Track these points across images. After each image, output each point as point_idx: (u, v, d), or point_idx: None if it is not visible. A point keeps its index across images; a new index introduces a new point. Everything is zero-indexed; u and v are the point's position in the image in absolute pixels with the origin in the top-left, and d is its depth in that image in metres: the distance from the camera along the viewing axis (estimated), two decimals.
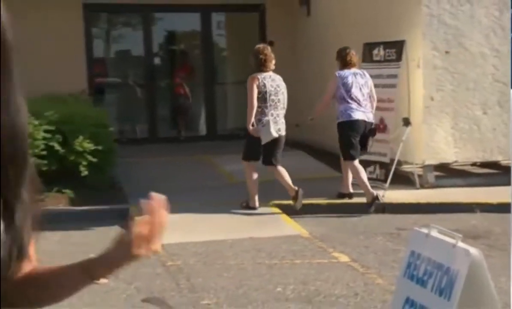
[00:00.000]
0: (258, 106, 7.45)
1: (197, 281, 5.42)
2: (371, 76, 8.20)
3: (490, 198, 7.75)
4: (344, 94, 7.72)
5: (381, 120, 8.41)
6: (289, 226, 7.26)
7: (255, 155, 7.58)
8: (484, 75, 8.62)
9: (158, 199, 1.31)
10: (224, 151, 10.47)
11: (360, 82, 7.80)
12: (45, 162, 7.80)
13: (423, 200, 7.94)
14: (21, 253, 1.19)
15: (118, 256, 1.29)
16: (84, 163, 8.29)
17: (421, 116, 8.50)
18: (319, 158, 10.41)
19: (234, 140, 10.67)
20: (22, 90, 1.16)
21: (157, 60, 13.61)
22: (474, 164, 9.16)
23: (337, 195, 8.04)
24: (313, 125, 8.97)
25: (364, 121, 7.74)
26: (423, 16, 8.45)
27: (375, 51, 8.75)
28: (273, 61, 7.60)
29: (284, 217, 7.55)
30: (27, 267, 1.27)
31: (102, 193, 8.28)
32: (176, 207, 7.38)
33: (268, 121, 7.43)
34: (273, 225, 7.28)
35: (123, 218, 7.91)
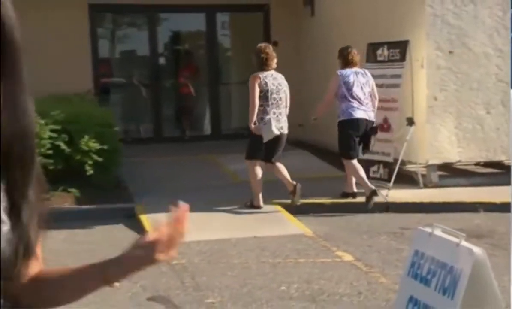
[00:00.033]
0: (260, 105, 7.49)
1: (202, 279, 5.45)
2: (375, 76, 8.22)
3: (493, 197, 7.76)
4: (346, 93, 7.76)
5: (385, 120, 8.42)
6: (293, 225, 7.28)
7: (258, 153, 7.61)
8: (488, 75, 8.63)
9: (184, 208, 1.31)
10: (228, 150, 10.50)
11: (362, 81, 7.83)
12: (51, 161, 7.86)
13: (426, 199, 7.95)
14: (27, 252, 1.19)
15: (136, 260, 1.29)
16: (90, 162, 8.33)
17: (425, 116, 8.52)
18: (323, 157, 10.43)
19: (238, 139, 10.71)
20: (29, 90, 1.16)
21: (162, 60, 13.63)
22: (477, 164, 9.16)
23: (341, 194, 8.06)
24: (317, 125, 8.98)
25: (365, 120, 7.78)
26: (427, 16, 8.47)
27: (379, 51, 8.76)
28: (275, 60, 7.62)
29: (288, 216, 7.56)
30: (35, 266, 1.28)
31: (108, 192, 8.33)
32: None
33: (269, 120, 7.47)
34: (277, 224, 7.30)
35: (128, 217, 8.00)
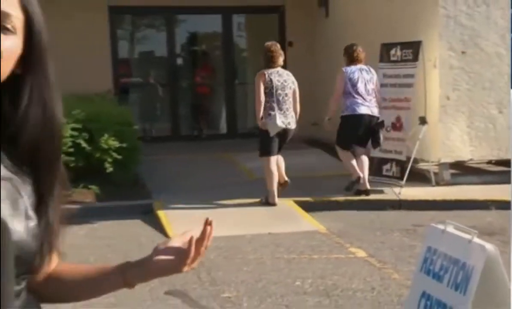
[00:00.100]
0: (266, 101, 7.62)
1: (218, 274, 5.51)
2: (389, 76, 8.32)
3: (505, 195, 7.73)
4: (350, 89, 7.91)
5: (398, 118, 8.49)
6: (307, 222, 7.34)
7: (270, 149, 7.73)
8: (500, 75, 8.68)
9: (211, 224, 1.35)
10: (244, 149, 10.55)
11: (366, 77, 7.98)
12: (72, 158, 7.97)
13: (439, 197, 7.98)
14: (51, 247, 1.21)
15: (160, 268, 1.31)
16: (109, 160, 8.45)
17: (437, 115, 8.58)
18: (336, 155, 10.48)
19: (254, 138, 10.78)
20: (58, 90, 1.20)
21: (179, 61, 13.71)
22: (489, 162, 9.16)
23: (354, 192, 8.15)
24: (330, 124, 9.08)
25: (369, 115, 7.92)
26: (439, 17, 8.53)
27: (392, 52, 8.82)
28: (281, 58, 7.75)
29: (302, 213, 7.62)
30: (55, 261, 1.30)
31: (127, 189, 8.45)
32: (197, 203, 7.61)
33: (275, 115, 7.61)
34: (291, 221, 7.37)
35: (145, 213, 8.13)
